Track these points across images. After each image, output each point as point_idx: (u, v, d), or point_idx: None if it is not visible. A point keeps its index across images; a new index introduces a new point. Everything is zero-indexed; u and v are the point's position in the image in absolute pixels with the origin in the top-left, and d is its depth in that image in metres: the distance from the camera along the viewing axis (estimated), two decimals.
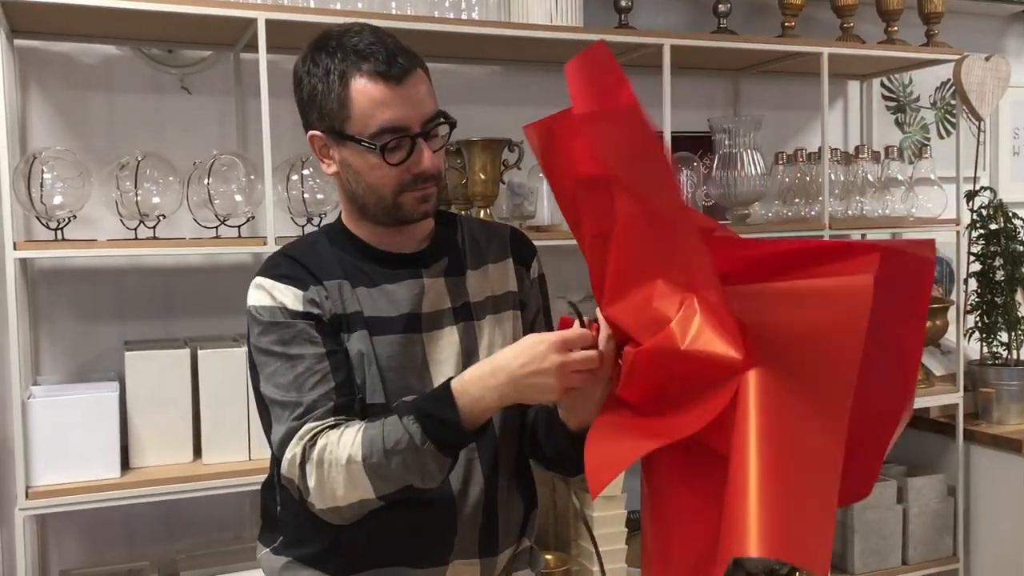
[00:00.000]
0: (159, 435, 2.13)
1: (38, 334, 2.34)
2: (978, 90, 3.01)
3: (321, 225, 2.05)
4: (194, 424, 2.17)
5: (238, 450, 2.17)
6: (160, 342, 2.29)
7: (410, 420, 1.21)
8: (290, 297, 1.31)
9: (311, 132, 1.35)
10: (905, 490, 2.98)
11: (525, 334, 1.34)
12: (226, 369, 2.16)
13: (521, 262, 1.48)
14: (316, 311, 1.31)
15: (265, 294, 1.32)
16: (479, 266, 1.43)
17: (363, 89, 1.28)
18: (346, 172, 1.33)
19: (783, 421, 1.01)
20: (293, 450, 1.25)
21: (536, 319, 1.49)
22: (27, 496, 1.98)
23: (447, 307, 1.38)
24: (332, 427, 1.26)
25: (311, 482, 1.24)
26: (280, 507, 1.41)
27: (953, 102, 3.46)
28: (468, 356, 1.38)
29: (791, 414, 1.01)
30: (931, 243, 1.11)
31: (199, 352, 2.15)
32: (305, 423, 1.26)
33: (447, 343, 1.37)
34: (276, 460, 1.34)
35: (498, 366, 1.21)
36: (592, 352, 1.18)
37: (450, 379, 1.25)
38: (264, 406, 1.33)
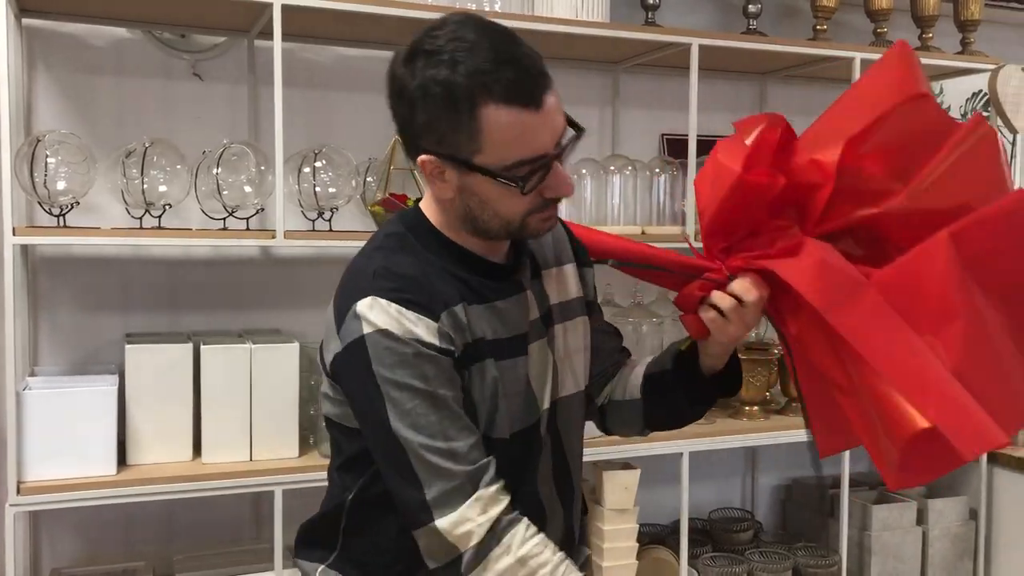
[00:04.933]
0: (158, 432, 2.06)
1: (37, 323, 2.27)
2: (1014, 101, 2.91)
3: (348, 231, 1.96)
4: (194, 422, 2.10)
5: (239, 450, 2.09)
6: (163, 335, 2.22)
7: None
8: (422, 328, 1.15)
9: (422, 157, 1.17)
10: (925, 512, 2.89)
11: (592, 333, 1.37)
12: (230, 366, 2.08)
13: (583, 263, 1.42)
14: (451, 347, 1.17)
15: (392, 320, 1.14)
16: (551, 266, 1.36)
17: (499, 120, 1.11)
18: (468, 199, 1.19)
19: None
20: (472, 520, 1.14)
21: (594, 314, 1.44)
22: (19, 491, 1.91)
23: (537, 317, 1.29)
24: (517, 520, 1.17)
25: (492, 570, 1.14)
26: (343, 534, 1.30)
27: (986, 113, 3.37)
28: (553, 368, 1.31)
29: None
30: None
31: (202, 347, 2.08)
32: (480, 484, 1.15)
33: (539, 358, 1.29)
34: (364, 482, 1.26)
35: None
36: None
37: None
38: (399, 447, 1.16)
